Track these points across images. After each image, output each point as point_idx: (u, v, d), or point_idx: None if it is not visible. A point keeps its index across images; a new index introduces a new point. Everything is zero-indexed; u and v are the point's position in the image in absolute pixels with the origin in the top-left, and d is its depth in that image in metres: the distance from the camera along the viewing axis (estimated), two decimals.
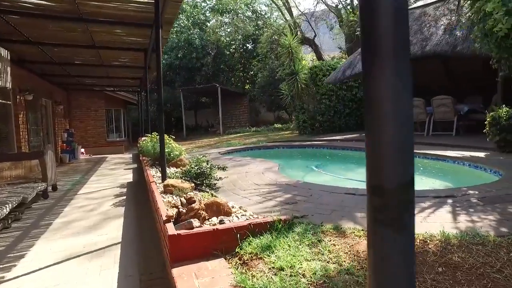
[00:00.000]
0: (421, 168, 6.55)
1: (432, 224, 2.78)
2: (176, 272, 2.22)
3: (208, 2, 27.50)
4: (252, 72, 26.24)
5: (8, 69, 6.66)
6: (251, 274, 2.13)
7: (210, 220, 2.81)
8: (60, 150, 13.23)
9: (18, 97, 9.07)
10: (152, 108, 24.78)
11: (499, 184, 4.05)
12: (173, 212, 2.62)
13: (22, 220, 4.88)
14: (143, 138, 11.20)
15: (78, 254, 3.37)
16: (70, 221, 4.71)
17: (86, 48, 8.18)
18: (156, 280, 2.71)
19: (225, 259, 2.42)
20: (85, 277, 2.84)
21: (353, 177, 6.09)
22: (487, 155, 6.51)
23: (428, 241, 2.41)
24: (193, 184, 3.98)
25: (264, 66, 21.26)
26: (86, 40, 7.73)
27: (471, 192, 3.64)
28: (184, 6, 24.98)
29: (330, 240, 2.53)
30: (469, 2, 6.19)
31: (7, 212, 3.95)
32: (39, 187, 6.01)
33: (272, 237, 2.57)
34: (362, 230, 2.67)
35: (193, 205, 2.63)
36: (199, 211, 2.63)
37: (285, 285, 1.94)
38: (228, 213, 3.00)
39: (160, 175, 5.31)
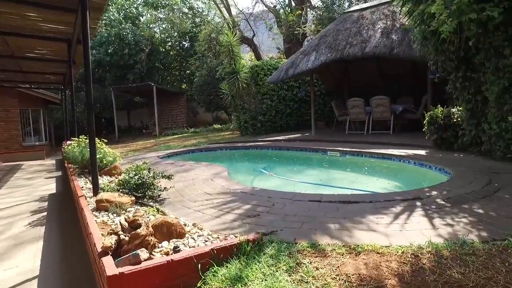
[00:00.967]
0: (371, 168, 6.58)
1: (412, 232, 2.54)
2: None
3: None
4: (189, 71, 25.25)
5: None
6: None
7: (160, 246, 2.23)
8: None
9: None
10: (79, 108, 22.46)
11: (453, 182, 4.06)
12: (111, 240, 1.99)
13: None
14: (68, 142, 9.82)
15: None
16: None
17: None
18: None
19: None
20: None
21: (305, 180, 5.86)
22: (427, 152, 6.77)
23: (419, 255, 2.13)
24: (133, 198, 3.30)
25: (202, 64, 20.50)
26: None
27: (434, 193, 3.55)
28: None
29: (311, 262, 2.12)
30: (409, 5, 6.36)
31: None
32: None
33: (241, 264, 2.08)
34: (344, 246, 2.32)
35: (138, 230, 2.02)
36: (147, 238, 2.04)
37: None
38: (181, 235, 2.44)
39: (91, 186, 4.47)
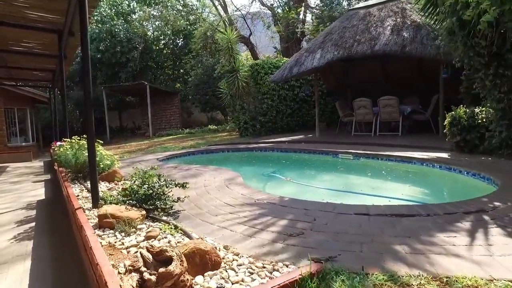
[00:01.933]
0: (392, 172, 6.09)
1: (508, 258, 2.02)
2: None
3: None
4: (183, 70, 24.53)
5: None
6: None
7: (195, 283, 1.65)
8: None
9: None
10: (69, 108, 21.52)
11: (507, 192, 3.57)
12: (132, 282, 1.42)
13: None
14: (58, 144, 9.10)
15: None
16: None
17: None
18: None
19: None
20: None
21: (326, 185, 5.33)
22: (450, 155, 6.32)
23: None
24: (143, 212, 2.70)
25: (197, 63, 19.84)
26: None
27: (497, 204, 3.05)
28: None
29: None
30: None
31: None
32: None
33: None
34: (432, 279, 1.78)
35: (170, 267, 1.45)
36: (182, 277, 1.47)
37: None
38: (217, 264, 1.87)
39: (88, 195, 3.85)
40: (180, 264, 1.50)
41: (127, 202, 2.90)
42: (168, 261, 1.52)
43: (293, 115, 13.83)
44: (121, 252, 2.12)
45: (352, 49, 9.61)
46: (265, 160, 8.37)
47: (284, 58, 14.71)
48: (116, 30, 20.62)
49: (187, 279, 1.52)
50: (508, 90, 5.31)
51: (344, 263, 1.97)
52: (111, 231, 2.51)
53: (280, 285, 1.62)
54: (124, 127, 24.48)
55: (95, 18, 21.33)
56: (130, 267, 1.51)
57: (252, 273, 1.83)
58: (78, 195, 3.85)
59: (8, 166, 11.88)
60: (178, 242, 2.25)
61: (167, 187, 3.11)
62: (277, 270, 1.88)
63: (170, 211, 3.07)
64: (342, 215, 2.88)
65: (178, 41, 24.25)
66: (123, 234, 2.44)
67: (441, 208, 2.98)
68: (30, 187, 7.47)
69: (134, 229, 2.50)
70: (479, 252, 2.11)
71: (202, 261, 1.80)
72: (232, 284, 1.71)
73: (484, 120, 6.11)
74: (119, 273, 1.62)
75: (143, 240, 2.32)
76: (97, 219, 2.69)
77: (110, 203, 3.05)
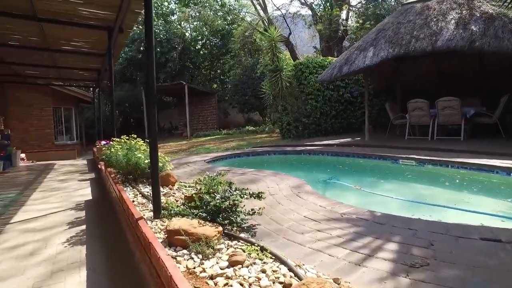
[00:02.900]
0: (473, 183, 5.31)
1: None
2: None
3: None
4: (219, 71, 24.43)
5: None
6: None
7: None
8: None
9: None
10: (109, 108, 22.03)
11: None
12: None
13: None
14: (103, 143, 9.04)
15: None
16: None
17: (24, 19, 6.00)
18: None
19: None
20: None
21: (403, 196, 4.68)
22: None
23: None
24: (219, 228, 2.25)
25: (237, 63, 19.57)
26: (24, 7, 5.62)
27: None
28: None
29: None
30: None
31: None
32: None
33: None
34: None
35: None
36: None
37: None
38: None
39: (143, 200, 3.51)
40: None
41: (197, 214, 2.47)
42: None
43: (337, 116, 13.16)
44: (206, 283, 1.68)
45: (409, 46, 8.83)
46: (318, 164, 7.79)
47: (329, 57, 14.04)
48: (156, 30, 20.84)
49: None
50: None
51: None
52: (185, 251, 2.09)
53: None
54: (162, 127, 24.74)
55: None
56: None
57: None
58: (133, 201, 3.52)
59: (55, 163, 12.13)
60: (274, 271, 1.79)
61: (242, 197, 2.67)
62: None
63: (242, 225, 2.62)
64: (463, 239, 2.30)
65: (216, 41, 24.18)
66: (200, 256, 2.01)
67: None
68: (76, 186, 7.40)
69: (212, 250, 2.07)
70: None
71: None
72: None
73: None
74: None
75: (227, 266, 1.88)
76: (166, 234, 2.29)
77: (175, 213, 2.65)
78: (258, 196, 2.73)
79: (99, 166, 8.60)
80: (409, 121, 9.97)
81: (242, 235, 2.40)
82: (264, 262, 1.91)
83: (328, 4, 18.80)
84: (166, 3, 23.97)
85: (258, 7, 20.61)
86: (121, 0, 5.44)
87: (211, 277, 1.76)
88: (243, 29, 18.85)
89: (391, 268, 1.93)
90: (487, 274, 1.87)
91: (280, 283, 1.66)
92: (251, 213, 2.62)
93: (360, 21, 16.31)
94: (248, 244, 2.20)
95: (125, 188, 4.15)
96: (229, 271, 1.80)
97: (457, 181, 5.57)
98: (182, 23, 23.17)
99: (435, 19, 9.05)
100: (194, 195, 2.66)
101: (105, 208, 5.29)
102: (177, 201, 3.40)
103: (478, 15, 8.28)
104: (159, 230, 2.46)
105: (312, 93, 12.63)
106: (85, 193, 6.58)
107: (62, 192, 6.80)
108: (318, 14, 18.98)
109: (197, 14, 22.37)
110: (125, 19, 6.14)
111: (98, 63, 10.03)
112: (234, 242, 2.27)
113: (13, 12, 5.77)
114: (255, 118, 21.01)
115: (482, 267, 1.93)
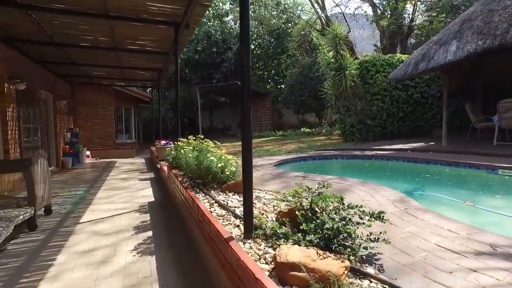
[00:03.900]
0: None
1: None
2: None
3: None
4: (273, 71, 23.96)
5: None
6: None
7: None
8: (62, 153, 11.04)
9: (5, 85, 6.88)
10: (164, 107, 22.55)
11: None
12: None
13: None
14: (163, 142, 8.96)
15: None
16: None
17: (97, 17, 5.94)
18: None
19: None
20: None
21: None
22: None
23: None
24: (346, 263, 1.66)
25: (293, 63, 18.92)
26: (97, 5, 5.53)
27: None
28: None
29: None
30: None
31: None
32: (22, 215, 3.81)
33: None
34: None
35: None
36: None
37: None
38: None
39: (220, 211, 3.08)
40: None
41: (309, 239, 1.89)
42: None
43: (405, 119, 12.00)
44: None
45: (507, 37, 7.59)
46: (397, 172, 6.90)
47: (398, 54, 12.90)
48: (212, 31, 20.93)
49: None
50: None
51: None
52: None
53: None
54: (215, 127, 24.88)
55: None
56: None
57: None
58: (210, 211, 3.07)
59: (116, 161, 12.46)
60: None
61: (361, 219, 2.07)
62: None
63: (361, 254, 2.01)
64: None
65: (271, 41, 23.75)
66: None
67: None
68: (138, 185, 7.32)
69: None
70: None
71: None
72: None
73: None
74: None
75: None
76: (273, 265, 1.76)
77: (272, 234, 2.13)
78: (381, 217, 2.09)
79: (158, 166, 8.51)
80: (499, 125, 8.65)
81: (369, 270, 1.80)
82: None
83: None
84: (220, 4, 24.06)
85: (316, 5, 19.81)
86: None
87: None
88: (301, 27, 18.19)
89: None
90: None
91: None
92: (372, 238, 2.00)
93: (433, 14, 14.82)
94: (386, 285, 1.60)
95: (197, 195, 3.75)
96: None
97: None
98: (237, 23, 23.04)
99: None
100: (296, 212, 2.10)
101: (169, 211, 5.01)
102: (262, 214, 2.89)
103: None
104: (257, 257, 1.94)
105: (379, 93, 11.63)
106: (147, 193, 6.43)
107: (125, 191, 6.72)
108: (382, 8, 17.72)
109: (252, 14, 22.12)
110: (193, 14, 5.85)
111: (160, 62, 10.02)
112: (366, 282, 1.67)
113: (87, 11, 5.73)
114: (309, 119, 20.21)
115: None
